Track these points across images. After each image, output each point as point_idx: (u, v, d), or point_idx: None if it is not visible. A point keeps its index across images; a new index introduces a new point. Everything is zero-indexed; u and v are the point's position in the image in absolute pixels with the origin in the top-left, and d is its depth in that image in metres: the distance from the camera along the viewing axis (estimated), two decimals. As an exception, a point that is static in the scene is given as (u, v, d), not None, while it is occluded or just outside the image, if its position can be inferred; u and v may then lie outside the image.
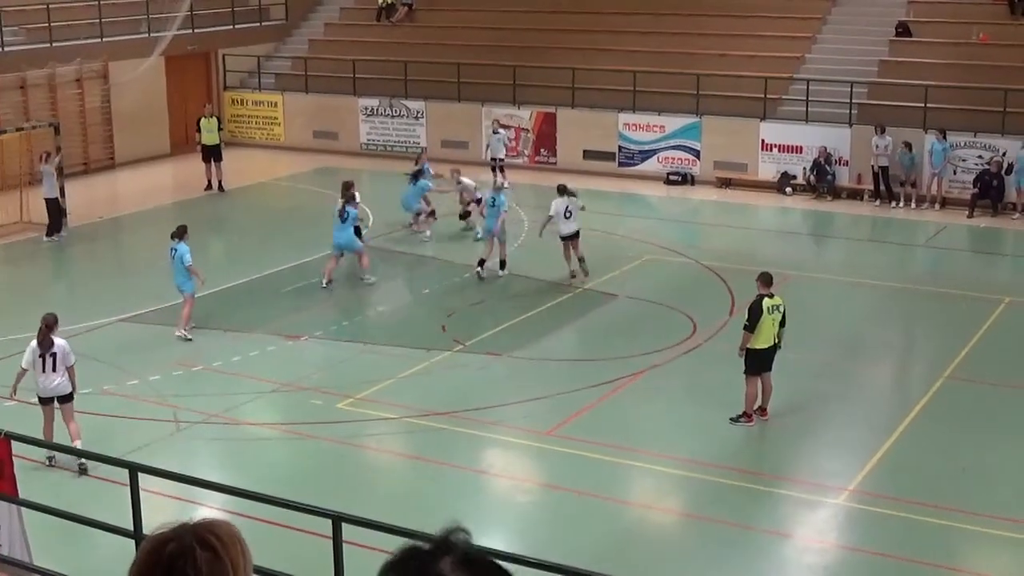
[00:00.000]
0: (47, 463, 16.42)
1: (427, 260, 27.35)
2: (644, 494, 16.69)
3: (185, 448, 17.68)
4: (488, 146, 34.95)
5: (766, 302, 17.96)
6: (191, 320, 22.15)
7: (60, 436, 16.35)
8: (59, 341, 16.54)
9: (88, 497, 15.46)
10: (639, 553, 14.92)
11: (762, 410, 18.32)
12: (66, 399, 16.56)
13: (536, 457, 17.61)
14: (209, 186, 34.31)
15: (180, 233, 21.94)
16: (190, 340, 21.85)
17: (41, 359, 16.38)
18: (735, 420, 18.15)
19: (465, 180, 29.13)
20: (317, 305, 24.28)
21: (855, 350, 21.88)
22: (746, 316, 18.03)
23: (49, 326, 16.59)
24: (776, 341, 18.14)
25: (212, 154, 34.20)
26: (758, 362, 18.08)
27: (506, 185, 33.88)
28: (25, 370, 16.54)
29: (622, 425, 18.37)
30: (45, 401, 16.56)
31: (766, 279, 18.30)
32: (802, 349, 21.22)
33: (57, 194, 28.69)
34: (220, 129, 34.80)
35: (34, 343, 16.52)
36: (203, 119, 34.43)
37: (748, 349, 17.96)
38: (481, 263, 25.54)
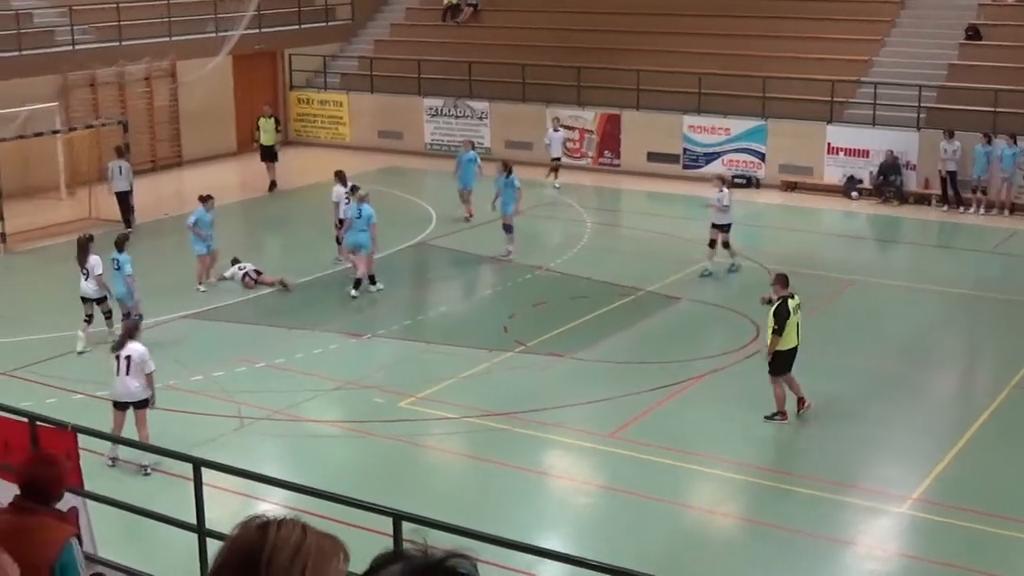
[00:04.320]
0: (110, 464, 16.45)
1: (489, 261, 27.35)
2: (705, 498, 16.61)
3: (248, 444, 17.79)
4: (549, 143, 34.86)
5: (790, 303, 18.01)
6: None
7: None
8: (137, 346, 16.42)
9: (152, 491, 15.59)
10: (700, 557, 14.87)
11: (801, 401, 18.37)
12: (140, 405, 16.40)
13: (597, 459, 17.57)
14: (272, 186, 34.60)
15: (120, 243, 21.57)
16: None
17: (116, 360, 16.35)
18: (770, 418, 18.19)
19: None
20: (379, 304, 24.36)
21: (920, 357, 21.66)
22: (772, 320, 18.00)
23: (129, 330, 16.76)
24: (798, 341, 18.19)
25: (268, 154, 34.43)
26: (786, 364, 18.14)
27: (556, 186, 33.91)
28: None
29: (684, 429, 18.31)
30: (118, 406, 16.43)
31: (784, 280, 18.33)
32: (866, 355, 21.10)
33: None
34: (278, 131, 34.98)
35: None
36: (261, 119, 34.63)
37: (777, 351, 18.02)
38: (372, 280, 24.58)
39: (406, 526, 8.49)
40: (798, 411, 18.44)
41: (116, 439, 15.60)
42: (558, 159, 34.46)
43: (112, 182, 29.53)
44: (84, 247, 21.31)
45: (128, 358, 16.25)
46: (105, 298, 21.33)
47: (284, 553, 2.99)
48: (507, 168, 27.19)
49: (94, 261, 21.11)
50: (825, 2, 37.28)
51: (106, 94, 35.73)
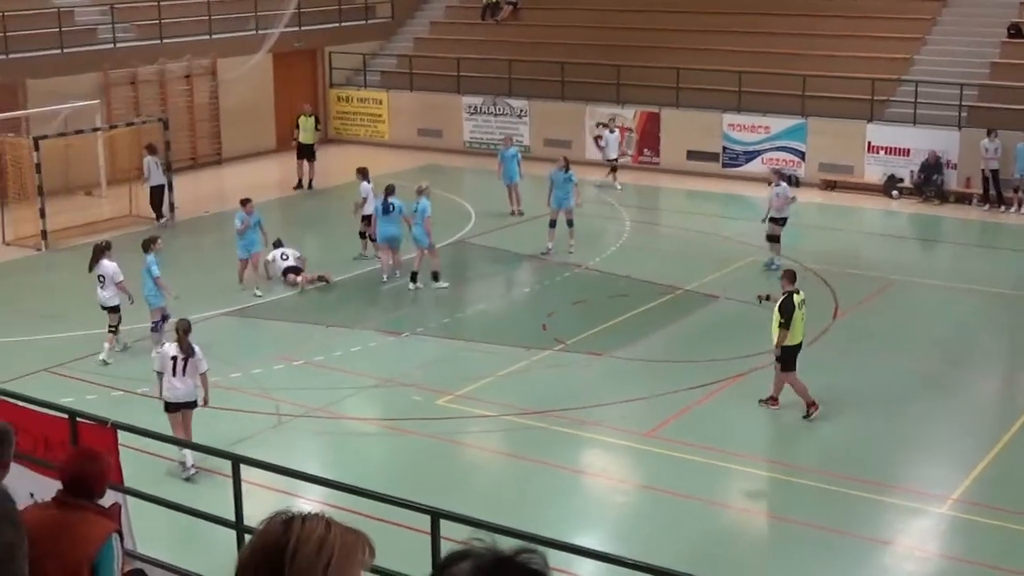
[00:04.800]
0: (193, 472, 16.16)
1: (528, 258, 27.36)
2: (743, 497, 16.57)
3: (286, 441, 17.86)
4: (605, 145, 34.79)
5: (796, 298, 18.21)
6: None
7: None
8: (194, 347, 16.26)
9: (191, 488, 15.68)
10: (737, 556, 14.82)
11: (773, 400, 18.59)
12: (190, 407, 16.26)
13: (635, 458, 17.55)
14: (299, 184, 34.64)
15: (146, 245, 21.02)
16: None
17: (172, 361, 16.09)
18: (807, 416, 18.31)
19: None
20: (417, 302, 24.40)
21: (960, 357, 21.53)
22: (778, 315, 18.16)
23: (186, 331, 16.30)
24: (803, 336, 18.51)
25: (306, 153, 34.53)
26: (795, 357, 18.30)
27: (618, 187, 33.83)
28: (161, 374, 16.30)
29: (722, 427, 18.26)
30: (171, 407, 16.20)
31: (791, 276, 18.67)
32: (907, 355, 21.00)
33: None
34: (317, 129, 35.07)
35: (169, 347, 16.36)
36: (301, 117, 34.74)
37: (784, 347, 18.16)
38: (413, 276, 24.76)
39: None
40: (762, 401, 18.67)
41: (155, 435, 15.56)
42: (615, 160, 34.33)
43: (150, 177, 29.77)
44: (98, 254, 20.72)
45: (186, 359, 16.12)
46: (118, 308, 20.69)
47: (309, 547, 3.01)
48: (566, 164, 27.43)
49: (112, 269, 20.53)
50: (866, 0, 37.10)
51: (147, 92, 35.93)
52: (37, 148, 27.70)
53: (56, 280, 26.05)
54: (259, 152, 38.66)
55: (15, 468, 6.88)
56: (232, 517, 9.81)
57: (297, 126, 34.78)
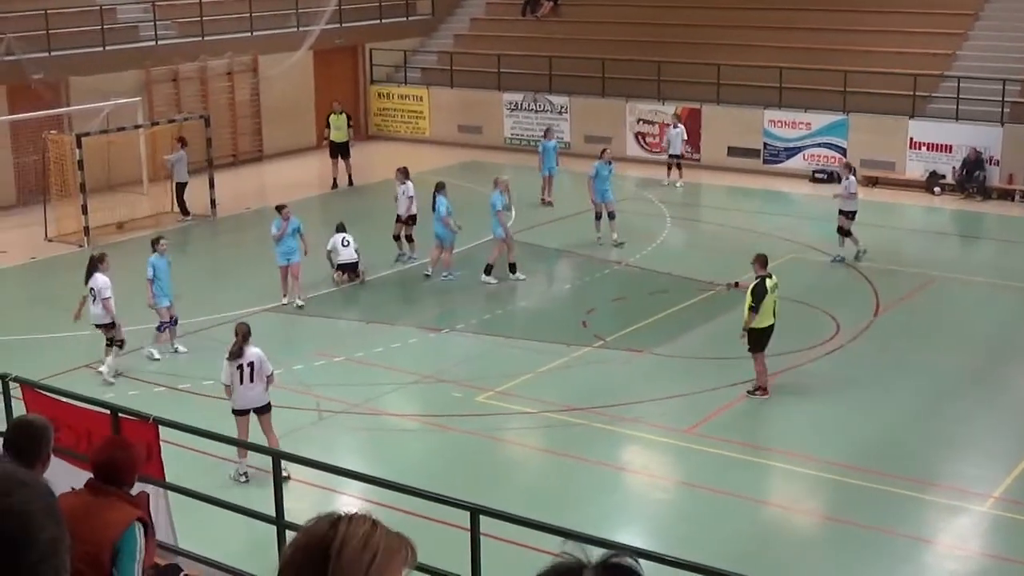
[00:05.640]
0: (244, 480, 15.90)
1: (568, 255, 27.35)
2: (783, 495, 16.52)
3: (327, 437, 17.92)
4: (669, 140, 34.58)
5: (768, 283, 18.60)
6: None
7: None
8: (255, 350, 16.03)
9: (230, 484, 15.75)
10: (778, 554, 14.77)
11: (761, 390, 18.97)
12: (264, 410, 16.05)
13: (675, 455, 17.52)
14: (335, 184, 34.60)
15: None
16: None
17: (239, 370, 15.89)
18: (752, 392, 18.89)
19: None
20: (458, 299, 24.43)
21: (1002, 354, 21.37)
22: (749, 298, 18.57)
23: (244, 336, 16.08)
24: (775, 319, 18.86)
25: (340, 151, 34.52)
26: (765, 340, 18.72)
27: (678, 185, 33.69)
28: (228, 386, 16.02)
29: (762, 425, 18.23)
30: (240, 412, 15.99)
31: (763, 260, 19.01)
32: (947, 352, 20.86)
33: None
34: (349, 126, 35.02)
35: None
36: (332, 116, 34.71)
37: (754, 328, 18.56)
38: (512, 267, 25.25)
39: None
40: (749, 391, 18.99)
41: (196, 430, 15.60)
42: (678, 156, 34.06)
43: (176, 172, 30.03)
44: (91, 266, 19.93)
45: (251, 364, 15.91)
46: (113, 324, 19.89)
47: (354, 544, 3.02)
48: (609, 157, 28.11)
49: (102, 283, 19.59)
50: (908, -5, 36.91)
51: (188, 89, 36.13)
52: (79, 145, 27.92)
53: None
54: (300, 149, 38.79)
55: (56, 462, 6.97)
56: (272, 512, 9.85)
57: (328, 124, 34.76)
